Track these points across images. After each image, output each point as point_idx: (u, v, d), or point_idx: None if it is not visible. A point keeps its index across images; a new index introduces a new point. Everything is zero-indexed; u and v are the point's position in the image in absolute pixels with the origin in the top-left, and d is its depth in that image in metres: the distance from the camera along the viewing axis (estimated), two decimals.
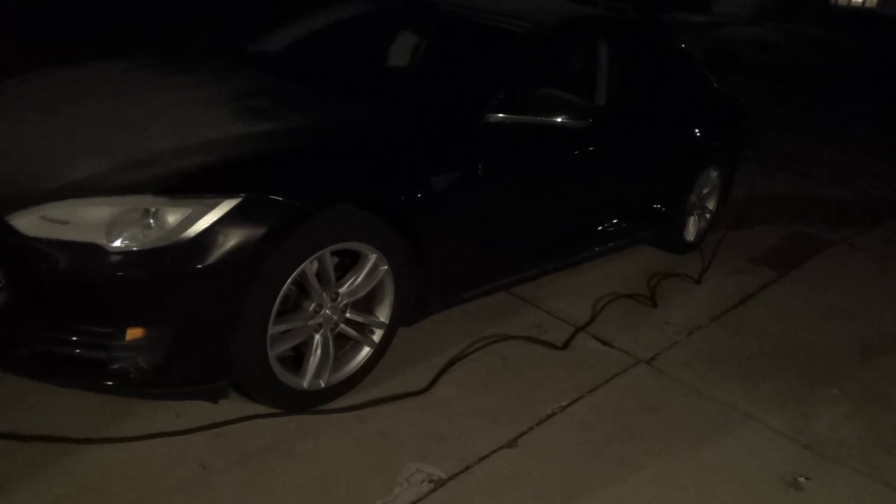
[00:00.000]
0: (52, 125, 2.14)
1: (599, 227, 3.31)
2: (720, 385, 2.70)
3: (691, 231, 4.03)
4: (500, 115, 2.45)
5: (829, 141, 8.21)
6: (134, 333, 1.81)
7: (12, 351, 1.84)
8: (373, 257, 2.18)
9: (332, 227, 2.01)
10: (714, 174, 4.06)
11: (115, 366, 1.83)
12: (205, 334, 1.86)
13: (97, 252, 1.74)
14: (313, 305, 2.10)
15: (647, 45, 3.60)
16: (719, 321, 3.27)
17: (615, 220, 3.39)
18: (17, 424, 1.94)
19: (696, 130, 3.74)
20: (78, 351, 1.83)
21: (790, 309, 3.51)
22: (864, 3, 28.96)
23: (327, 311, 2.14)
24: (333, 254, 2.12)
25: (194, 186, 1.82)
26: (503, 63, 2.67)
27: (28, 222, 1.76)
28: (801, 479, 2.22)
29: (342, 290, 2.16)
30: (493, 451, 2.14)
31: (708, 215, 4.16)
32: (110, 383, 1.86)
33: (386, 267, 2.22)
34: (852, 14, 27.47)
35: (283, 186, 1.89)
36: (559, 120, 2.48)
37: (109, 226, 1.75)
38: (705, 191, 4.05)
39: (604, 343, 2.90)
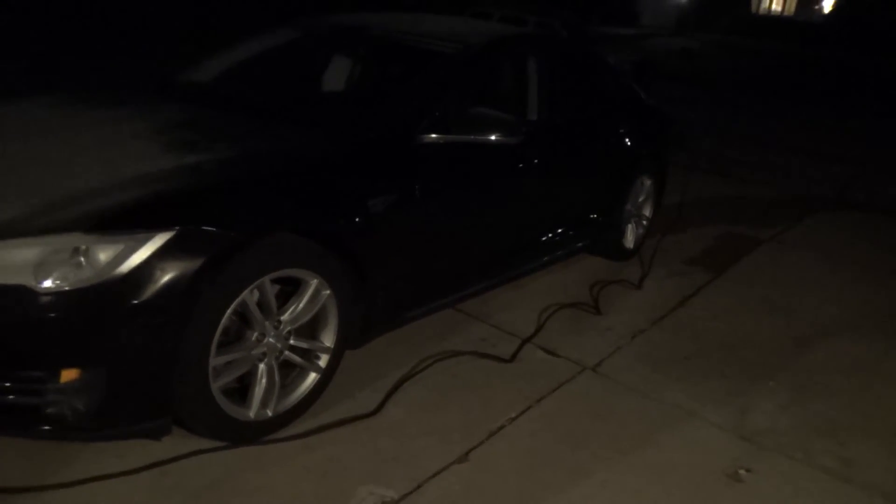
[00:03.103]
0: None
1: (540, 240, 3.38)
2: (663, 386, 2.78)
3: (630, 238, 4.15)
4: (433, 135, 2.50)
5: (752, 141, 8.61)
6: (69, 375, 1.76)
7: None
8: (314, 283, 2.18)
9: (269, 255, 2.01)
10: (647, 182, 4.21)
11: (51, 410, 1.78)
12: (143, 372, 1.82)
13: (26, 294, 1.70)
14: (255, 335, 2.09)
15: (575, 61, 3.73)
16: (660, 324, 3.38)
17: (554, 232, 3.47)
18: None
19: (627, 140, 3.87)
20: (11, 397, 1.77)
21: (726, 307, 3.65)
22: (782, 11, 30.48)
23: (271, 340, 2.13)
24: (274, 281, 2.12)
25: (125, 222, 1.79)
26: (433, 84, 2.72)
27: None
28: (742, 472, 2.31)
29: (284, 317, 2.15)
30: (445, 468, 2.15)
31: (645, 222, 4.30)
32: (47, 428, 1.80)
33: (328, 291, 2.22)
34: (771, 21, 28.88)
35: (215, 217, 1.88)
36: (491, 137, 2.54)
37: (37, 266, 1.71)
38: (640, 199, 4.18)
39: (550, 353, 2.96)
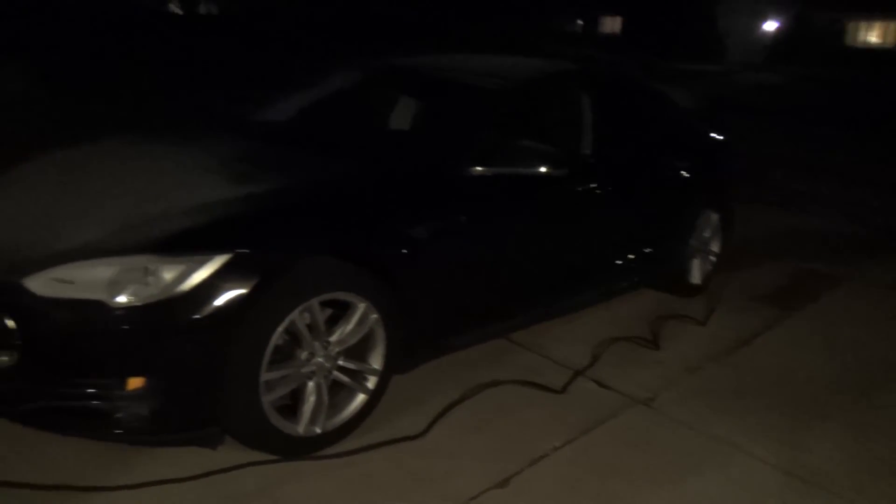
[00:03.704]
0: (62, 196, 2.35)
1: (594, 272, 3.38)
2: (714, 421, 2.71)
3: (696, 274, 4.07)
4: (479, 168, 2.59)
5: (830, 175, 8.24)
6: (135, 383, 1.94)
7: (26, 405, 1.98)
8: (361, 306, 2.29)
9: (317, 278, 2.15)
10: (714, 216, 4.13)
11: (119, 415, 1.95)
12: (199, 382, 1.98)
13: (100, 308, 1.90)
14: (305, 354, 2.21)
15: (631, 95, 3.76)
16: (720, 361, 3.29)
17: (609, 265, 3.47)
18: (26, 474, 2.06)
19: (688, 174, 3.83)
20: (85, 402, 1.96)
21: (792, 345, 3.51)
22: (882, 42, 29.05)
23: (320, 359, 2.25)
24: (326, 304, 2.25)
25: (188, 245, 1.98)
26: (479, 119, 2.83)
27: (40, 284, 1.93)
28: None
29: (333, 338, 2.27)
30: (482, 492, 2.18)
31: (712, 257, 4.21)
32: (118, 431, 1.98)
33: (376, 316, 2.33)
34: (866, 53, 27.56)
35: (267, 242, 2.05)
36: (536, 170, 2.61)
37: (111, 284, 1.91)
38: (706, 233, 4.11)
39: (602, 385, 2.94)
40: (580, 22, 36.04)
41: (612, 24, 34.34)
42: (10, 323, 1.93)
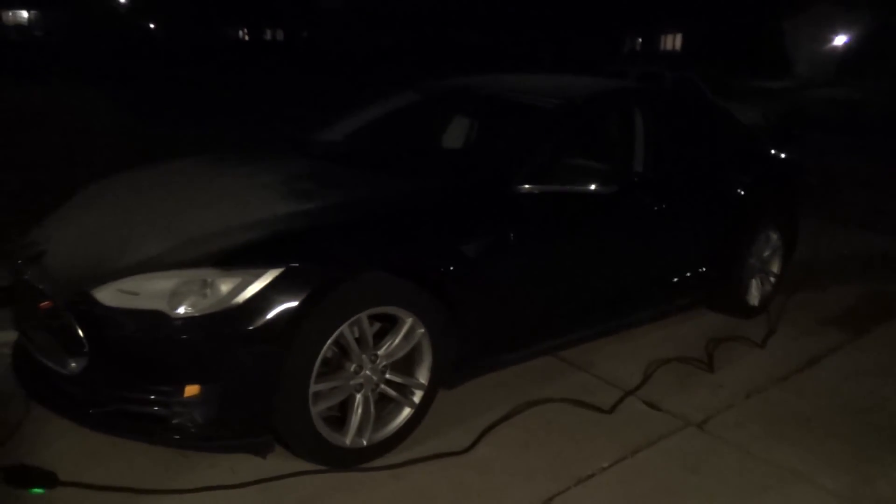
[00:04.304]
0: (131, 214, 2.49)
1: (646, 291, 3.33)
2: (773, 446, 2.61)
3: (754, 294, 3.95)
4: (528, 185, 2.62)
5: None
6: (191, 391, 2.03)
7: (93, 409, 2.10)
8: (409, 321, 2.33)
9: (366, 292, 2.20)
10: (774, 236, 4.02)
11: (176, 421, 2.05)
12: (250, 391, 2.05)
13: (162, 318, 2.00)
14: (353, 366, 2.27)
15: (686, 112, 3.71)
16: (781, 384, 3.17)
17: (663, 284, 3.41)
18: (90, 474, 2.18)
19: (745, 192, 3.74)
20: (146, 408, 2.07)
21: (861, 370, 3.35)
22: None
23: (367, 372, 2.30)
24: (375, 318, 2.31)
25: (243, 259, 2.07)
26: (530, 137, 2.86)
27: (107, 295, 2.06)
28: None
29: (381, 351, 2.32)
30: None
31: (772, 278, 4.08)
32: (175, 437, 2.07)
33: (423, 330, 2.37)
34: None
35: (318, 257, 2.12)
36: (586, 187, 2.61)
37: (172, 295, 2.02)
38: (766, 253, 3.99)
39: (653, 407, 2.88)
40: (640, 40, 35.73)
41: (671, 42, 33.89)
42: (80, 332, 2.07)
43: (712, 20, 28.76)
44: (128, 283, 2.06)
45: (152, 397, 2.05)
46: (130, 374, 2.08)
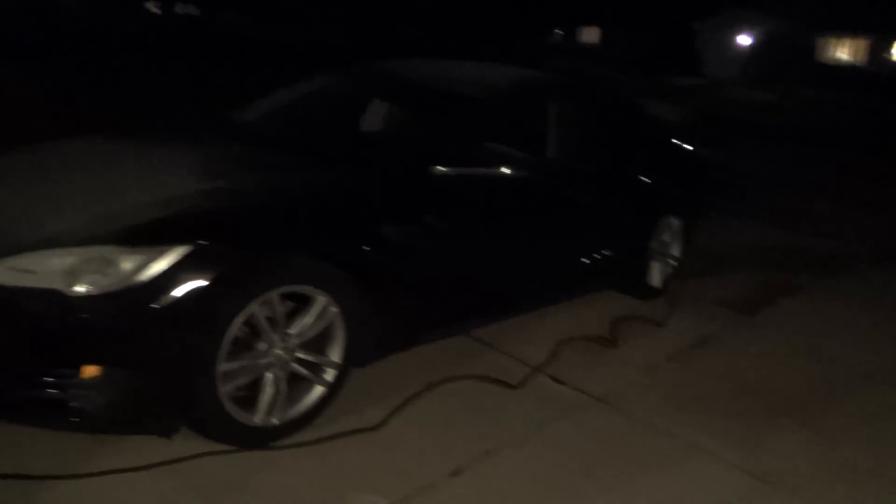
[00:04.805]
0: (33, 191, 2.38)
1: (557, 273, 3.47)
2: (673, 419, 2.79)
3: (656, 277, 4.17)
4: (444, 168, 2.67)
5: (805, 190, 8.42)
6: (91, 372, 1.97)
7: None
8: (322, 300, 2.34)
9: (277, 271, 2.20)
10: (676, 222, 4.24)
11: (75, 404, 1.98)
12: (155, 372, 2.02)
13: (58, 297, 1.93)
14: (264, 345, 2.26)
15: (601, 105, 3.87)
16: (678, 360, 3.38)
17: (572, 266, 3.55)
18: None
19: (651, 181, 3.94)
20: (43, 392, 1.99)
21: (753, 349, 3.61)
22: (854, 60, 29.70)
23: (278, 351, 2.30)
24: (287, 297, 2.30)
25: (148, 237, 2.02)
26: (447, 121, 2.92)
27: (0, 273, 1.97)
28: None
29: (292, 330, 2.32)
30: (437, 481, 2.24)
31: (672, 262, 4.31)
32: (74, 420, 2.01)
33: (336, 309, 2.38)
34: (840, 71, 28.17)
35: (229, 236, 2.10)
36: (496, 171, 2.69)
37: (69, 273, 1.95)
38: (665, 237, 4.22)
39: (559, 382, 3.01)
40: (559, 32, 36.47)
41: (590, 35, 34.79)
42: None
43: (628, 15, 29.80)
44: (23, 261, 1.97)
45: (50, 380, 1.98)
46: (25, 357, 1.99)
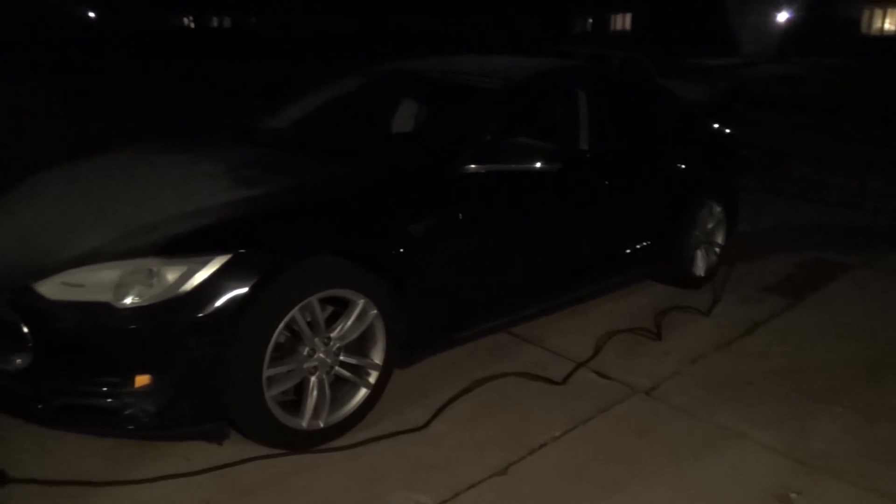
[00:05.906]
0: (73, 206, 2.45)
1: (595, 266, 3.42)
2: (716, 409, 2.73)
3: (700, 265, 4.08)
4: (473, 165, 2.66)
5: (840, 165, 8.16)
6: (142, 381, 2.02)
7: (42, 405, 2.08)
8: (360, 303, 2.36)
9: (315, 276, 2.22)
10: (717, 208, 4.15)
11: (128, 411, 2.04)
12: (203, 378, 2.06)
13: (107, 309, 1.99)
14: (306, 350, 2.29)
15: (629, 91, 3.80)
16: (724, 349, 3.31)
17: (610, 258, 3.50)
18: (41, 470, 2.15)
19: (687, 167, 3.86)
20: (95, 400, 2.05)
21: (800, 333, 3.51)
22: None
23: (321, 355, 2.32)
24: (327, 301, 2.33)
25: (189, 247, 2.06)
26: (474, 118, 2.90)
27: (50, 288, 2.03)
28: (793, 495, 2.23)
29: (333, 334, 2.34)
30: (482, 480, 2.24)
31: (717, 249, 4.22)
32: (128, 427, 2.07)
33: (375, 311, 2.40)
34: (883, 42, 27.13)
35: (267, 242, 2.13)
36: (531, 165, 2.67)
37: (117, 286, 2.00)
38: (710, 225, 4.12)
39: (603, 376, 2.97)
40: (590, 20, 36.01)
41: (621, 22, 34.27)
42: (24, 327, 2.03)
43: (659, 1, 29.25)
44: (71, 276, 2.03)
45: (102, 389, 2.04)
46: (78, 368, 2.06)
